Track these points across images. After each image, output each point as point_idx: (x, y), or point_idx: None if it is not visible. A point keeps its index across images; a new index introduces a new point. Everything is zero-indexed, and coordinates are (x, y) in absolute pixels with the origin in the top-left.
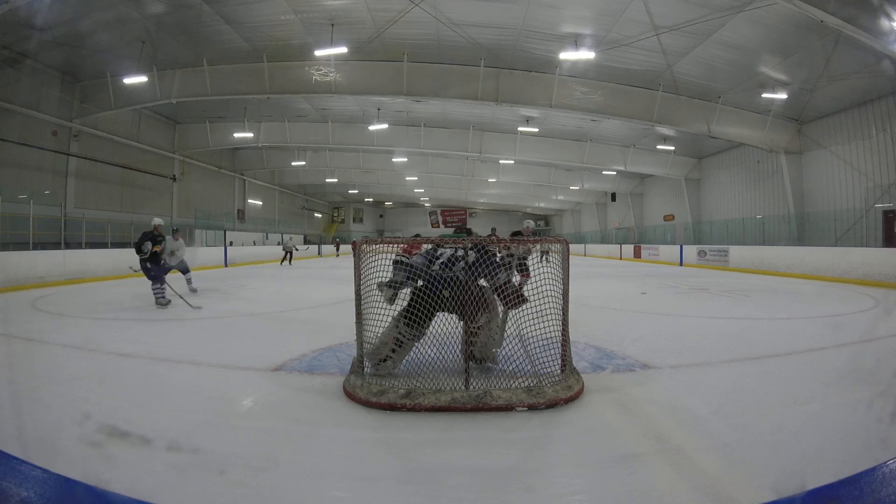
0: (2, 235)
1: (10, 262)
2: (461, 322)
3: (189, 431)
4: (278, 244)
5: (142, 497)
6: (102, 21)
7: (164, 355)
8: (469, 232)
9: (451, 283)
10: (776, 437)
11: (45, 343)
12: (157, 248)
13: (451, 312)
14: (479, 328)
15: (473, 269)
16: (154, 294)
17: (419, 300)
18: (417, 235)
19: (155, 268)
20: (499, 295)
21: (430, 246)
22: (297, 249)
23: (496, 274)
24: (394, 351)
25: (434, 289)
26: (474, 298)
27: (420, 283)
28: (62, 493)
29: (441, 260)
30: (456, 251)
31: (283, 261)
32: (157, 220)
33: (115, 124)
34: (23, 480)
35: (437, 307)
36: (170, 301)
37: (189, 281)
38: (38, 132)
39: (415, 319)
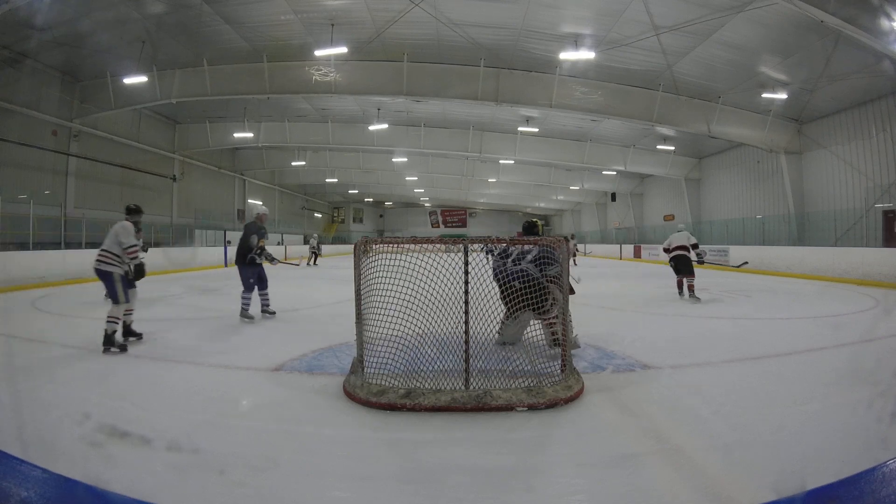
0: (2, 235)
1: (10, 262)
2: (532, 312)
3: (189, 431)
4: (278, 243)
5: (142, 497)
6: (102, 21)
7: (164, 355)
8: (534, 227)
9: (521, 276)
10: (776, 437)
11: (45, 343)
12: (262, 243)
13: (523, 303)
14: (554, 318)
15: (538, 261)
16: (242, 303)
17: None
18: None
19: (253, 271)
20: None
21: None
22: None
23: (552, 265)
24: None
25: (507, 281)
26: (542, 288)
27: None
28: (62, 493)
29: (512, 257)
30: (523, 247)
31: (310, 261)
32: (262, 209)
33: (115, 124)
34: (23, 480)
35: (511, 297)
36: (253, 317)
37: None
38: (38, 132)
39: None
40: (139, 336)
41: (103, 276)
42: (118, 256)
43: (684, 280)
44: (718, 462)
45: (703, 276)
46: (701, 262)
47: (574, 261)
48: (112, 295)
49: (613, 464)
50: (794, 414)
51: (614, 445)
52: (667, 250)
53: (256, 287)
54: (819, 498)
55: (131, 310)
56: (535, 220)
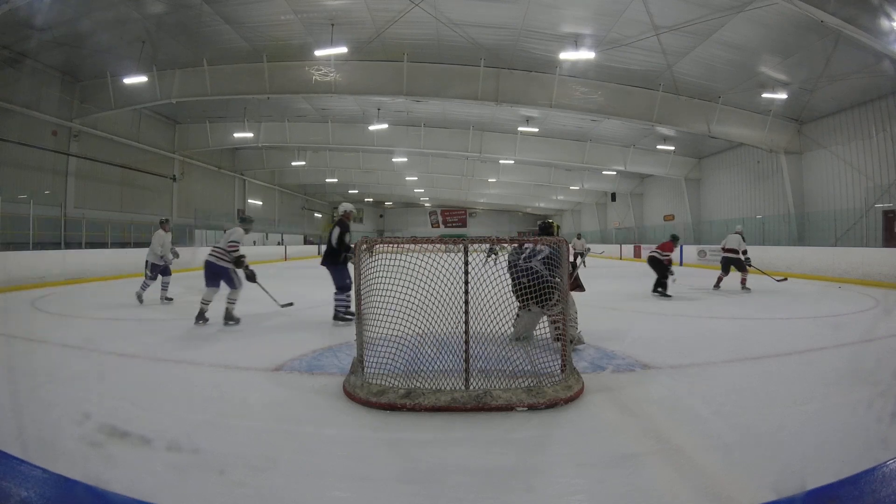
0: (2, 235)
1: (10, 262)
2: (539, 307)
3: (189, 431)
4: (278, 243)
5: (142, 497)
6: (102, 21)
7: (164, 355)
8: (550, 228)
9: (529, 273)
10: (776, 437)
11: (45, 343)
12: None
13: (530, 297)
14: (558, 315)
15: (548, 261)
16: (336, 305)
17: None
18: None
19: (347, 271)
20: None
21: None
22: None
23: (562, 265)
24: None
25: (518, 277)
26: (548, 286)
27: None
28: (62, 493)
29: (524, 254)
30: (535, 246)
31: None
32: (349, 206)
33: (115, 124)
34: (23, 480)
35: (520, 291)
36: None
37: (166, 286)
38: (38, 132)
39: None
40: (206, 321)
41: (219, 269)
42: (227, 251)
43: (740, 275)
44: (718, 462)
45: (700, 276)
46: (748, 265)
47: (584, 262)
48: (230, 284)
49: (613, 464)
50: (794, 414)
51: (614, 445)
52: (723, 249)
53: (345, 288)
54: (819, 498)
55: (209, 298)
56: (550, 221)
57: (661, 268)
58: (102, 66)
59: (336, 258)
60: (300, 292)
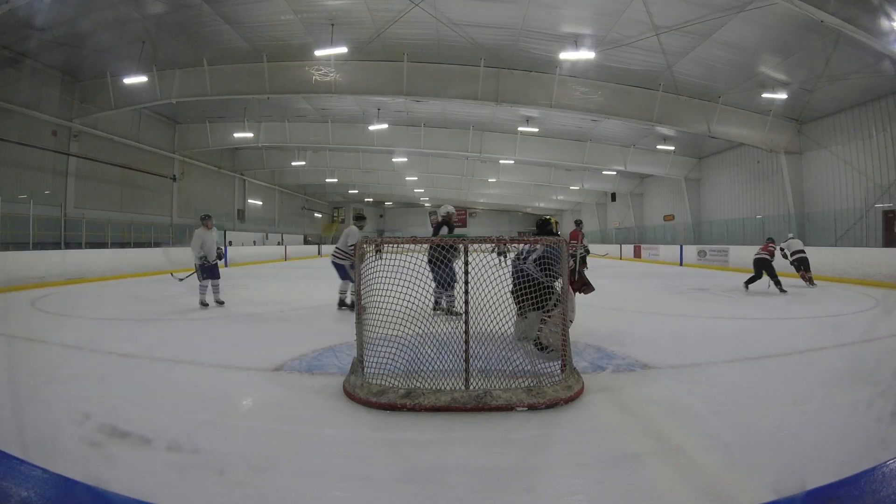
0: (2, 235)
1: (10, 262)
2: (536, 312)
3: (189, 431)
4: (278, 243)
5: (142, 497)
6: (102, 21)
7: (164, 355)
8: (548, 225)
9: (518, 274)
10: (776, 437)
11: (45, 343)
12: None
13: (527, 303)
14: (548, 316)
15: (541, 261)
16: (446, 303)
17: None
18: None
19: (453, 270)
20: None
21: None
22: None
23: (556, 264)
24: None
25: (514, 281)
26: (536, 288)
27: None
28: (62, 493)
29: (521, 256)
30: (529, 246)
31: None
32: (451, 208)
33: (115, 124)
34: (23, 480)
35: (517, 296)
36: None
37: (216, 289)
38: (38, 132)
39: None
40: (346, 306)
41: (339, 266)
42: (346, 252)
43: (802, 273)
44: (718, 462)
45: (700, 276)
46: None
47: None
48: (347, 279)
49: (613, 464)
50: (794, 414)
51: (614, 445)
52: (791, 253)
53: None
54: (819, 498)
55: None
56: (548, 217)
57: (770, 266)
58: (102, 66)
59: (442, 258)
60: (300, 293)
